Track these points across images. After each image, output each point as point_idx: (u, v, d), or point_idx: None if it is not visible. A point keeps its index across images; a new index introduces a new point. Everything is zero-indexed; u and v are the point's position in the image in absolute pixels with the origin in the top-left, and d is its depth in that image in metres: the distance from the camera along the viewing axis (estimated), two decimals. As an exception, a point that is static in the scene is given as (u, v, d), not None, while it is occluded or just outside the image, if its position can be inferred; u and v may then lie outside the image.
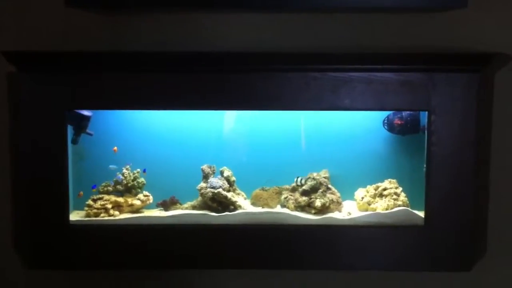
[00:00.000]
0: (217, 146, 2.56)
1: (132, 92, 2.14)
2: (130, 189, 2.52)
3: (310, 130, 2.57)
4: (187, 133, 2.55)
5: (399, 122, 2.45)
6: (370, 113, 2.49)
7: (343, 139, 2.58)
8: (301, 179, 2.44)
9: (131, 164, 2.50)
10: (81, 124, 2.22)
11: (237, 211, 2.26)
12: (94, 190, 2.48)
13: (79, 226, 2.19)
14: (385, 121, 2.50)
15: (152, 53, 2.07)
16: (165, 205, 2.49)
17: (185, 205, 2.48)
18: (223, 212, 2.26)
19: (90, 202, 2.40)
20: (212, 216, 2.24)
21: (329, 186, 2.49)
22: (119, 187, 2.50)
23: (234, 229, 2.19)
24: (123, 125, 2.55)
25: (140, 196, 2.47)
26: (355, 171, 2.58)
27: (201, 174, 2.49)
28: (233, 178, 2.51)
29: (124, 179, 2.49)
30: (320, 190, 2.46)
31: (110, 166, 2.46)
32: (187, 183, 2.50)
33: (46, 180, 2.09)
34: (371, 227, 2.32)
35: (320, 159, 2.57)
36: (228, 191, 2.44)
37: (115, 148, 2.44)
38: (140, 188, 2.52)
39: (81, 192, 2.39)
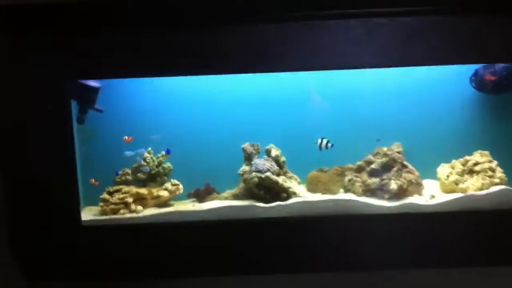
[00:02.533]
0: (257, 118, 2.11)
1: (149, 55, 1.61)
2: (154, 177, 2.05)
3: (368, 88, 2.07)
4: (220, 103, 2.10)
5: (492, 78, 1.93)
6: (451, 67, 1.95)
7: (414, 100, 2.08)
8: (327, 142, 1.93)
9: (159, 137, 2.00)
10: (88, 98, 1.85)
11: (291, 200, 1.91)
12: (118, 179, 2.01)
13: (94, 227, 1.82)
14: (473, 78, 1.99)
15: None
16: (199, 195, 2.06)
17: (224, 194, 2.05)
18: (273, 201, 1.89)
19: (105, 195, 1.93)
20: (261, 207, 1.88)
21: (405, 163, 2.00)
22: (140, 175, 2.01)
23: (289, 223, 1.81)
24: (139, 94, 2.10)
25: (168, 185, 2.02)
26: (434, 142, 2.10)
27: (243, 155, 2.02)
28: (283, 159, 2.02)
29: (146, 164, 2.00)
30: (394, 169, 1.96)
31: (126, 152, 1.98)
32: (224, 166, 2.07)
33: (48, 170, 1.71)
34: (463, 213, 1.83)
35: (387, 127, 2.09)
36: (278, 174, 1.96)
37: (128, 137, 1.93)
38: (166, 175, 2.05)
39: (93, 180, 1.93)
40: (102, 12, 1.63)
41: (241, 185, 1.99)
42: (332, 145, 1.95)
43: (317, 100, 2.06)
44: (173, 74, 1.78)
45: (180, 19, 1.65)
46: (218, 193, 2.04)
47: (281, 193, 1.91)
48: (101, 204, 1.93)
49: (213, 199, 2.01)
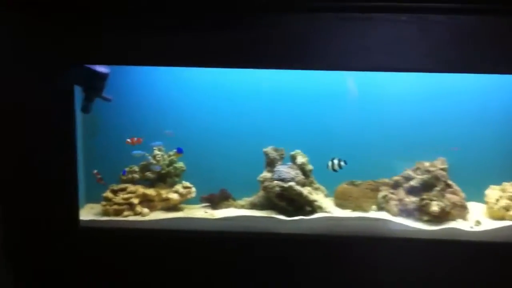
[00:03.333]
0: (284, 117, 1.89)
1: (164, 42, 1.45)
2: (164, 178, 1.85)
3: (411, 91, 1.83)
4: (242, 97, 1.89)
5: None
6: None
7: (465, 108, 1.84)
8: (339, 161, 1.72)
9: (171, 132, 1.81)
10: (95, 85, 1.63)
11: (316, 215, 1.74)
12: (124, 177, 1.81)
13: (93, 230, 1.65)
14: (536, 90, 1.73)
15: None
16: (213, 201, 1.87)
17: (241, 202, 1.87)
18: (296, 214, 1.73)
19: (108, 194, 1.73)
20: (281, 220, 1.71)
21: (449, 182, 1.77)
22: (149, 174, 1.80)
23: (312, 240, 1.58)
24: (152, 82, 1.89)
25: (178, 187, 1.82)
26: (484, 160, 1.85)
27: (264, 160, 1.81)
28: (310, 167, 1.82)
29: (155, 162, 1.79)
30: (437, 188, 1.73)
31: (134, 152, 1.77)
32: (243, 170, 1.87)
33: (45, 164, 1.52)
34: (513, 245, 1.58)
35: (431, 137, 1.85)
36: (303, 184, 1.74)
37: (132, 140, 1.73)
38: (177, 176, 1.84)
39: (96, 171, 1.74)
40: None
41: (261, 193, 1.83)
42: (344, 162, 1.73)
43: (354, 101, 1.82)
44: (201, 65, 1.58)
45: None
46: (234, 200, 1.87)
47: (305, 206, 1.72)
48: (103, 203, 1.74)
49: (228, 206, 1.85)
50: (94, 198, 1.83)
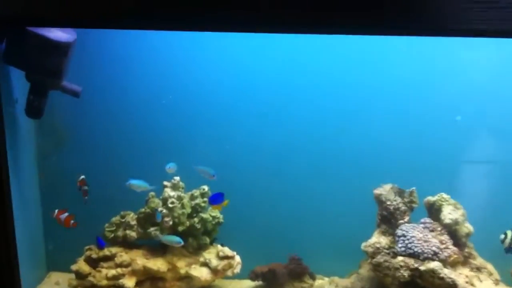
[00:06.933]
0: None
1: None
2: (185, 236, 1.01)
3: None
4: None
5: None
6: None
7: None
8: None
9: (214, 176, 1.00)
10: (50, 65, 0.94)
11: None
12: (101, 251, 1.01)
13: None
14: None
15: None
16: (274, 280, 1.11)
17: (327, 284, 1.11)
18: None
19: (81, 266, 0.99)
20: None
21: None
22: (154, 232, 0.98)
23: None
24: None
25: (210, 255, 1.13)
26: None
27: (376, 210, 1.02)
28: (467, 229, 0.99)
29: (164, 215, 0.97)
30: None
31: (131, 182, 0.97)
32: (331, 227, 1.13)
33: None
34: None
35: None
36: (455, 264, 0.94)
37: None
38: (209, 234, 1.03)
39: (83, 183, 1.03)
40: None
41: (366, 271, 1.12)
42: None
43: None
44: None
45: None
46: (314, 279, 1.10)
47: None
48: (73, 281, 0.94)
49: (302, 292, 1.12)
50: (62, 260, 1.06)
